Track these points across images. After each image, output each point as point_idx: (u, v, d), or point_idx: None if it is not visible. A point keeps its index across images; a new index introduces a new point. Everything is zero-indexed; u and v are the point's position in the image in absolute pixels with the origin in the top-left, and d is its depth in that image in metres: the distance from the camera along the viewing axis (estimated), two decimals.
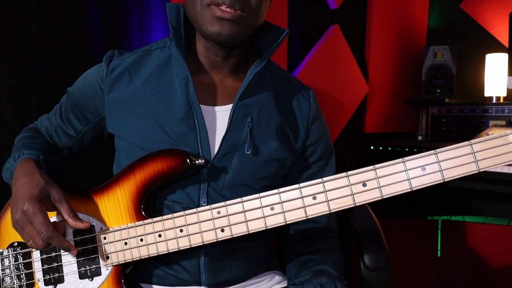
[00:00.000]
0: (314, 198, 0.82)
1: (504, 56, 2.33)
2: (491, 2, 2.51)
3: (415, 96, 2.72)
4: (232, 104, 0.97)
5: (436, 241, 2.27)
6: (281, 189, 0.84)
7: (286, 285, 1.07)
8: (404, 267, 2.25)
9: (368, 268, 1.14)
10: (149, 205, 0.95)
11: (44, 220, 0.85)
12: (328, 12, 2.41)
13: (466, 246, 2.19)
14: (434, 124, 2.53)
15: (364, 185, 0.80)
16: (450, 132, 2.46)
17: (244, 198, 0.85)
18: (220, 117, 0.98)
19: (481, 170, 0.75)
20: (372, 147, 2.43)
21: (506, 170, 1.89)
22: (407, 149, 2.26)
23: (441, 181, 0.77)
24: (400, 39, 2.67)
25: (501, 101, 2.38)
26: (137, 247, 0.91)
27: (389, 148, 2.34)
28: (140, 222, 0.92)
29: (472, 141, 0.76)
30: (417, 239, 2.33)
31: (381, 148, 2.38)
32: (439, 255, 2.27)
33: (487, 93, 2.42)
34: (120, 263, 0.93)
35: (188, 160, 0.91)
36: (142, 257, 0.91)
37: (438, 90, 2.50)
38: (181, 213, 0.89)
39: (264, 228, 0.84)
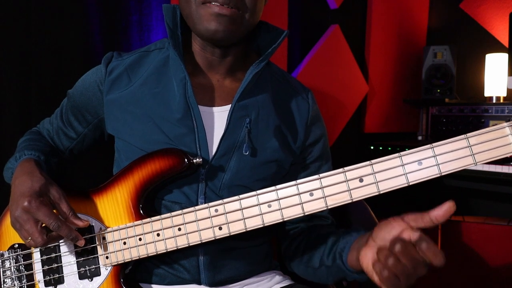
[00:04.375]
0: (311, 194, 0.82)
1: (504, 56, 2.33)
2: (491, 2, 2.51)
3: (415, 96, 2.73)
4: (230, 105, 0.97)
5: (436, 241, 2.27)
6: (278, 186, 0.84)
7: (286, 284, 1.07)
8: None
9: None
10: (147, 205, 0.95)
11: (50, 212, 0.86)
12: (328, 12, 2.42)
13: (466, 246, 2.19)
14: (434, 124, 2.54)
15: (361, 180, 0.79)
16: (450, 132, 2.46)
17: (242, 196, 0.85)
18: (218, 118, 0.98)
19: (477, 163, 0.75)
20: (372, 147, 2.43)
21: (506, 170, 1.88)
22: (407, 149, 2.25)
23: (438, 175, 0.77)
24: (400, 39, 2.68)
25: (501, 101, 2.38)
26: (136, 246, 0.91)
27: (389, 148, 2.34)
28: (139, 222, 0.92)
29: (469, 134, 0.75)
30: None
31: (381, 148, 2.38)
32: None
33: (487, 93, 2.42)
34: (119, 262, 0.93)
35: (186, 159, 0.91)
36: (141, 257, 0.91)
37: (438, 90, 2.51)
38: (179, 211, 0.89)
39: (262, 226, 0.84)
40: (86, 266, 0.94)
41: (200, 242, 0.88)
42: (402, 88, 2.71)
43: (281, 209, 0.83)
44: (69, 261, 0.96)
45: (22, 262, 0.98)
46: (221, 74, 1.01)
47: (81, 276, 0.95)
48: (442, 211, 0.73)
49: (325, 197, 0.81)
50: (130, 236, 0.92)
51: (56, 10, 1.56)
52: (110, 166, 1.08)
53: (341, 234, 0.97)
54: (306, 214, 0.82)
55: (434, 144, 0.77)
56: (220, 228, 0.86)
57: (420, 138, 2.69)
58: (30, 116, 1.52)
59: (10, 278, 0.98)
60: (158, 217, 0.90)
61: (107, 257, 0.93)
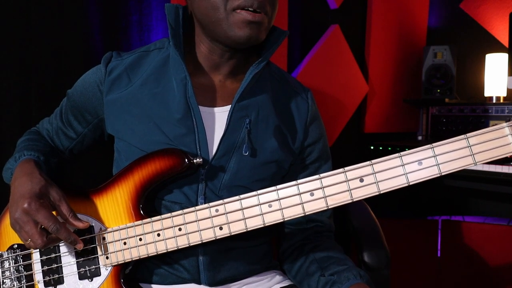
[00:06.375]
0: (312, 194, 0.82)
1: (504, 56, 2.33)
2: (491, 2, 2.51)
3: (415, 96, 2.73)
4: (230, 106, 0.96)
5: (436, 241, 2.27)
6: (278, 186, 0.84)
7: (286, 284, 1.07)
8: (404, 267, 2.25)
9: (369, 268, 1.14)
10: (148, 205, 0.95)
11: (50, 214, 0.86)
12: (328, 12, 2.42)
13: (466, 246, 2.19)
14: (434, 124, 2.54)
15: (361, 180, 0.80)
16: (450, 132, 2.46)
17: (242, 196, 0.85)
18: (218, 118, 0.98)
19: (477, 163, 0.75)
20: (372, 147, 2.43)
21: (506, 170, 1.88)
22: (407, 149, 2.26)
23: (438, 175, 0.77)
24: (400, 39, 2.68)
25: (501, 101, 2.38)
26: (136, 246, 0.91)
27: (389, 148, 2.34)
28: (139, 222, 0.92)
29: (468, 134, 0.76)
30: (417, 239, 2.33)
31: (381, 148, 2.38)
32: (439, 255, 2.27)
33: (487, 93, 2.42)
34: (119, 263, 0.93)
35: (186, 159, 0.91)
36: (141, 257, 0.91)
37: (438, 90, 2.51)
38: (180, 211, 0.89)
39: (262, 226, 0.84)
40: (86, 267, 0.94)
41: (200, 242, 0.88)
42: (402, 88, 2.71)
43: (282, 209, 0.83)
44: (69, 262, 0.95)
45: (22, 263, 0.98)
46: (223, 75, 1.01)
47: (81, 277, 0.95)
48: None
49: (325, 197, 0.81)
50: (130, 236, 0.92)
51: (56, 10, 1.56)
52: (110, 166, 1.08)
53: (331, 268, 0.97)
54: (306, 214, 0.82)
55: (434, 144, 0.77)
56: (221, 228, 0.86)
57: (420, 138, 2.69)
58: (30, 116, 1.52)
59: (10, 278, 0.98)
60: (158, 217, 0.90)
61: (107, 257, 0.93)
